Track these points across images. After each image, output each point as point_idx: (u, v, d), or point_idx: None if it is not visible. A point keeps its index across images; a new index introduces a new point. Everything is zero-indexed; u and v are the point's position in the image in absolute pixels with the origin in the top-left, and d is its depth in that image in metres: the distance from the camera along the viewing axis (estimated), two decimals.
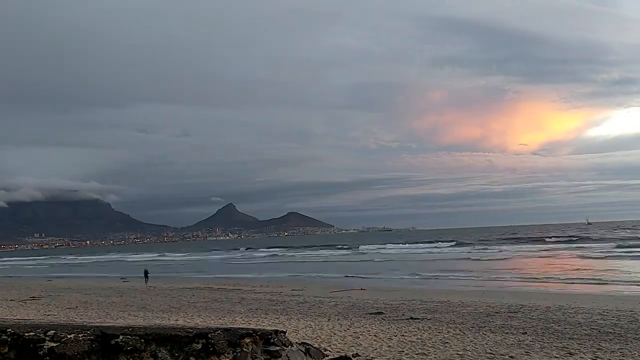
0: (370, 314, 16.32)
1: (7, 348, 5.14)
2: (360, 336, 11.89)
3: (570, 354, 9.93)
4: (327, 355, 8.59)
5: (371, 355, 9.78)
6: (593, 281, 29.22)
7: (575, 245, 68.89)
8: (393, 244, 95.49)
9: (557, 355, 9.78)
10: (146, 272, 37.63)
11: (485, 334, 12.10)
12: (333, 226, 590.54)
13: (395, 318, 15.18)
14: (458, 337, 11.80)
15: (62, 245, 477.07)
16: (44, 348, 5.13)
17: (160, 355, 5.44)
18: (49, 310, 18.73)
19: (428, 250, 76.22)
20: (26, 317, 15.29)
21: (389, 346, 10.66)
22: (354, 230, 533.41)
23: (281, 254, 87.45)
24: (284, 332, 6.60)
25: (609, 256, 48.04)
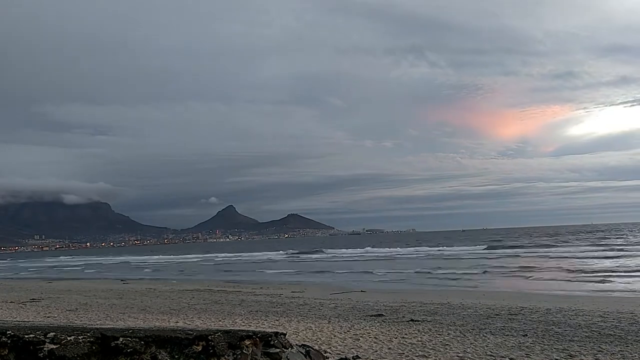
0: (371, 316, 16.30)
1: (7, 350, 5.14)
2: (361, 338, 11.87)
3: (571, 356, 9.91)
4: (328, 358, 8.58)
5: (371, 358, 9.76)
6: None
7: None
8: (360, 248, 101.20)
9: (557, 357, 9.76)
10: None
11: (485, 336, 12.09)
12: (333, 228, 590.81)
13: (395, 320, 15.16)
14: (458, 339, 11.78)
15: (62, 247, 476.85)
16: (44, 350, 5.13)
17: (160, 358, 5.43)
18: (49, 312, 18.71)
19: (376, 254, 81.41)
20: (26, 319, 15.27)
21: (389, 348, 10.64)
22: (353, 232, 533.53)
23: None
24: (284, 334, 6.59)
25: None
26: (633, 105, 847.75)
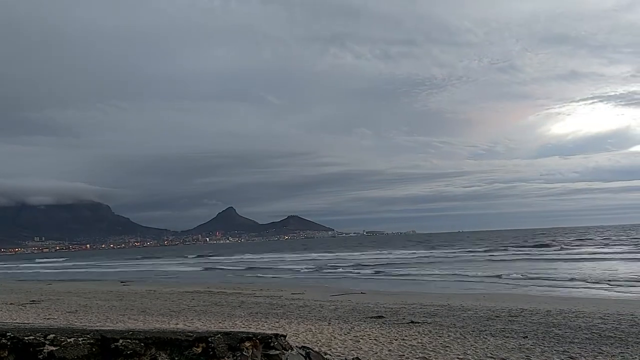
0: (371, 317, 16.29)
1: (6, 352, 5.13)
2: (361, 340, 11.86)
3: (572, 358, 9.91)
4: (328, 359, 8.57)
5: (372, 359, 9.76)
6: None
7: None
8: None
9: (558, 359, 9.77)
10: None
11: (485, 338, 12.08)
12: (333, 229, 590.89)
13: (395, 322, 15.15)
14: (458, 341, 11.78)
15: (62, 248, 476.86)
16: (44, 352, 5.12)
17: (160, 359, 5.43)
18: (49, 314, 18.70)
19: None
20: (26, 321, 15.25)
21: (390, 350, 10.63)
22: (354, 233, 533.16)
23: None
24: (284, 336, 6.59)
25: None
26: (594, 102, 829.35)
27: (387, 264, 58.32)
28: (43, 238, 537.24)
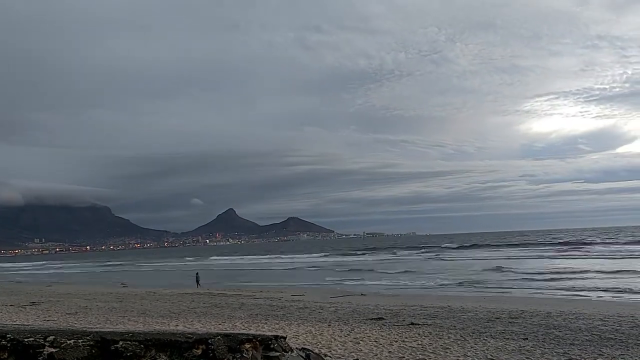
0: (371, 319, 16.28)
1: (6, 354, 5.13)
2: (361, 342, 11.86)
3: (572, 359, 9.91)
4: None
5: None
6: None
7: None
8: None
9: None
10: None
11: (486, 340, 12.07)
12: (333, 231, 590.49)
13: (395, 324, 15.14)
14: (459, 342, 11.77)
15: (62, 250, 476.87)
16: (44, 354, 5.12)
17: None
18: (49, 316, 18.68)
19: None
20: (26, 323, 15.24)
21: (390, 352, 10.62)
22: (354, 235, 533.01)
23: None
24: (284, 338, 6.58)
25: None
26: (551, 99, 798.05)
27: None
28: (43, 239, 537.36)
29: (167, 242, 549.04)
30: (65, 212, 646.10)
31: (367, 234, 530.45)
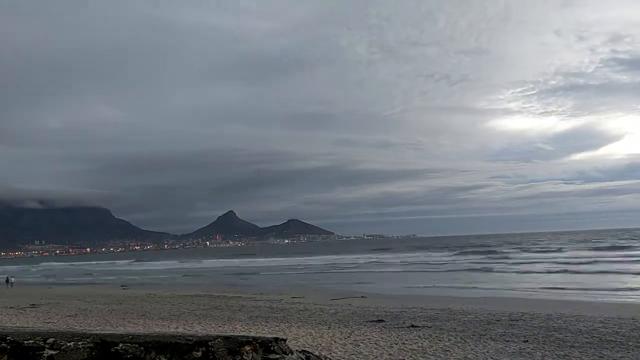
0: (371, 321, 16.26)
1: (6, 356, 5.13)
2: (361, 344, 11.84)
3: None
4: None
5: None
6: None
7: None
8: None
9: None
10: None
11: (486, 342, 12.06)
12: (333, 233, 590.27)
13: (395, 326, 15.13)
14: (459, 345, 11.76)
15: (62, 252, 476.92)
16: (44, 356, 5.12)
17: None
18: (49, 318, 18.67)
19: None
20: (26, 325, 15.24)
21: (390, 354, 10.61)
22: (354, 237, 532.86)
23: None
24: (284, 340, 6.58)
25: None
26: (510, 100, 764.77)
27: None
28: (43, 242, 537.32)
29: (167, 244, 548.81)
30: (65, 214, 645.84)
31: (367, 236, 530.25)
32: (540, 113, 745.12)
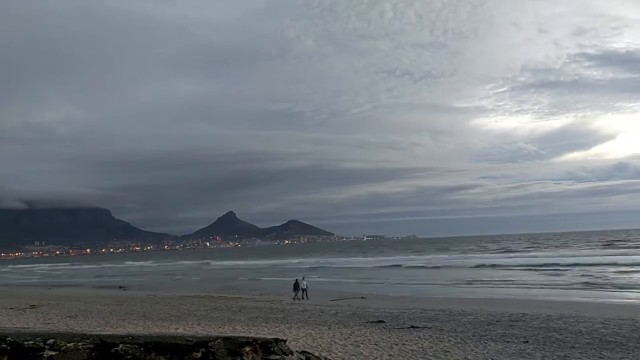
0: (371, 322, 16.26)
1: (6, 357, 5.13)
2: (361, 345, 11.84)
3: None
4: None
5: None
6: None
7: None
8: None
9: None
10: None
11: (486, 343, 12.05)
12: (333, 234, 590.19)
13: (396, 327, 15.12)
14: (459, 345, 11.75)
15: (62, 253, 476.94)
16: (44, 357, 5.12)
17: None
18: (49, 319, 18.66)
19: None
20: (26, 326, 15.23)
21: (390, 355, 10.61)
22: (354, 238, 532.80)
23: None
24: (285, 341, 6.58)
25: None
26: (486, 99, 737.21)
27: None
28: (43, 242, 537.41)
29: (167, 245, 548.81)
30: (65, 215, 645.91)
31: (367, 237, 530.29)
32: (517, 111, 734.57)
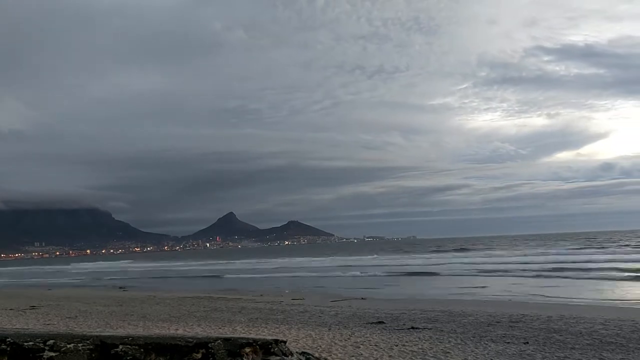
0: (371, 323, 16.25)
1: (6, 357, 5.12)
2: (361, 346, 11.83)
3: None
4: None
5: None
6: None
7: None
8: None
9: None
10: None
11: (486, 344, 12.04)
12: (333, 235, 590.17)
13: (396, 328, 15.12)
14: (459, 346, 11.74)
15: (62, 254, 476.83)
16: (44, 357, 5.12)
17: None
18: (49, 320, 18.65)
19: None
20: (25, 327, 15.22)
21: (390, 356, 10.60)
22: (354, 239, 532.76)
23: None
24: (285, 342, 6.57)
25: None
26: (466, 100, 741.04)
27: None
28: (43, 243, 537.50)
29: (167, 245, 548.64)
30: (65, 216, 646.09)
31: (367, 237, 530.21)
32: (485, 109, 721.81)
